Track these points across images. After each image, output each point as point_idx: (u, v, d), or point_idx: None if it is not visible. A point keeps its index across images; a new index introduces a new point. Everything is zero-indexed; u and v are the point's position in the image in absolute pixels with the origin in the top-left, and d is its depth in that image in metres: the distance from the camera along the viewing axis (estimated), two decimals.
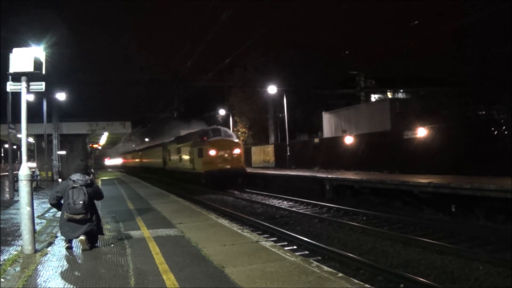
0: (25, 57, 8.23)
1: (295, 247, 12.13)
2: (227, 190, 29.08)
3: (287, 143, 36.64)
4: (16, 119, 13.20)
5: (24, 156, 8.60)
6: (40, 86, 8.73)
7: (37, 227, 10.54)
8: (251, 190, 28.61)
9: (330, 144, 31.36)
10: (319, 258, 10.67)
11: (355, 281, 6.19)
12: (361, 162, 26.14)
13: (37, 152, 41.50)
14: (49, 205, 9.57)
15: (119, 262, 7.44)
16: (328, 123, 36.57)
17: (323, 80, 45.51)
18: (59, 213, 8.72)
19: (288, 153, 35.79)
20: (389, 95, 49.77)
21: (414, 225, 14.43)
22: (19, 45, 8.64)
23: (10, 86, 8.60)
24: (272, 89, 38.04)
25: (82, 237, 8.16)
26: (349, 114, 34.44)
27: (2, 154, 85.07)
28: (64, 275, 6.70)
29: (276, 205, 20.95)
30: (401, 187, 17.97)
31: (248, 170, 33.98)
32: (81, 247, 8.25)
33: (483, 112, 30.15)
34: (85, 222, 8.24)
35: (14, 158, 31.24)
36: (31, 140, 40.95)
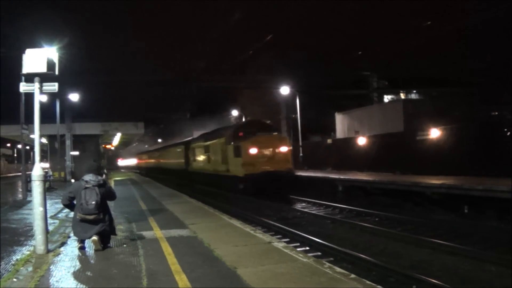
0: (38, 57, 8.26)
1: (307, 248, 12.11)
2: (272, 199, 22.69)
3: (300, 144, 36.55)
4: (29, 120, 13.27)
5: (37, 157, 8.64)
6: (53, 86, 8.75)
7: (50, 227, 10.60)
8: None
9: (343, 145, 31.31)
10: (331, 259, 10.63)
11: (367, 282, 6.16)
12: (374, 163, 26.06)
13: (50, 152, 41.78)
14: (61, 206, 9.61)
15: (131, 262, 7.45)
16: (341, 123, 36.52)
17: (336, 80, 45.36)
18: (71, 214, 8.75)
19: (301, 154, 35.70)
20: (402, 96, 49.47)
21: (425, 226, 14.36)
22: (32, 45, 8.67)
23: (23, 87, 8.64)
24: (285, 90, 38.00)
25: (94, 237, 8.18)
26: (362, 114, 34.37)
27: (16, 155, 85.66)
28: (77, 275, 6.72)
29: (289, 206, 20.91)
30: (413, 188, 17.91)
31: None
32: (93, 247, 8.27)
33: (496, 113, 29.98)
34: (98, 223, 8.25)
35: (27, 158, 31.42)
36: (44, 140, 41.17)
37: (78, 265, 7.42)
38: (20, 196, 21.08)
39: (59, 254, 8.19)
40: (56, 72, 8.55)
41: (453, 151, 20.06)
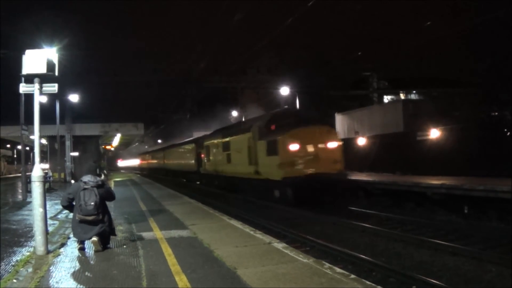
0: (38, 58, 8.26)
1: (307, 248, 12.08)
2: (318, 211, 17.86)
3: None
4: (29, 121, 13.27)
5: (37, 158, 8.63)
6: (53, 87, 8.75)
7: (50, 228, 10.60)
8: None
9: (343, 145, 31.26)
10: (332, 259, 10.61)
11: (367, 282, 6.16)
12: (374, 163, 26.04)
13: (50, 153, 41.80)
14: (61, 207, 9.60)
15: (131, 263, 7.46)
16: (341, 124, 36.47)
17: (336, 81, 45.40)
18: (71, 215, 8.75)
19: None
20: (402, 96, 49.50)
21: (426, 226, 14.32)
22: (32, 46, 8.68)
23: (23, 88, 8.65)
24: (285, 90, 37.98)
25: (94, 238, 8.18)
26: (362, 115, 34.34)
27: (15, 156, 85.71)
28: (77, 276, 6.72)
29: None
30: (414, 188, 17.89)
31: None
32: (93, 248, 8.28)
33: (496, 113, 29.98)
34: (97, 223, 8.26)
35: (27, 159, 31.41)
36: (44, 141, 41.18)
37: (78, 266, 7.42)
38: (20, 197, 21.08)
39: (59, 255, 8.19)
40: (56, 73, 8.56)
41: (453, 152, 20.06)
